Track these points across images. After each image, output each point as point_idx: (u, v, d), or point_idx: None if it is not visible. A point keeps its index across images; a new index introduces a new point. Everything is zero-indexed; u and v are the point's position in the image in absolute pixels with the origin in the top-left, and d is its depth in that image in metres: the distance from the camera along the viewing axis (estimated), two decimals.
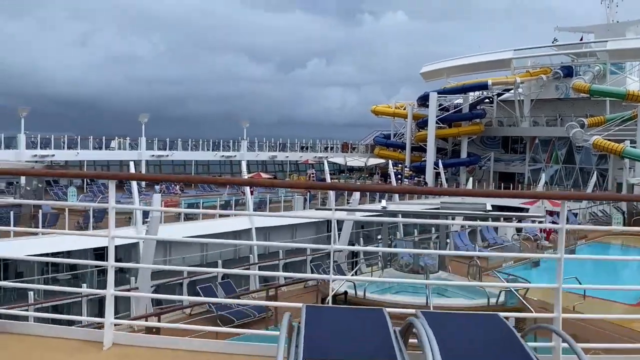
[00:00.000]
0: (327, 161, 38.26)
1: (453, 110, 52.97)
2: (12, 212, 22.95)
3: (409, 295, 12.00)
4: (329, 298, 11.62)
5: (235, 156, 51.77)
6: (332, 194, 36.07)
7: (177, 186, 43.37)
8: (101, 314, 4.30)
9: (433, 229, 25.05)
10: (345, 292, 11.84)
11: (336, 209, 27.97)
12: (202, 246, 30.18)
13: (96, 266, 23.92)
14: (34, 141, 40.68)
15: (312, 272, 17.67)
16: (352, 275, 15.91)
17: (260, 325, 12.74)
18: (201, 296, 13.75)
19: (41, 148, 40.48)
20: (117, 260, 20.05)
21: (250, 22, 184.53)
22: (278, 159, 56.19)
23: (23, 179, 30.50)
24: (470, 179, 35.63)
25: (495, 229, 28.10)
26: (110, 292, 4.23)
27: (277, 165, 59.41)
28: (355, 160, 51.25)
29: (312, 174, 53.57)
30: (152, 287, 14.13)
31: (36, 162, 37.37)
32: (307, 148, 58.40)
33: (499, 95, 54.71)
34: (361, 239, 26.63)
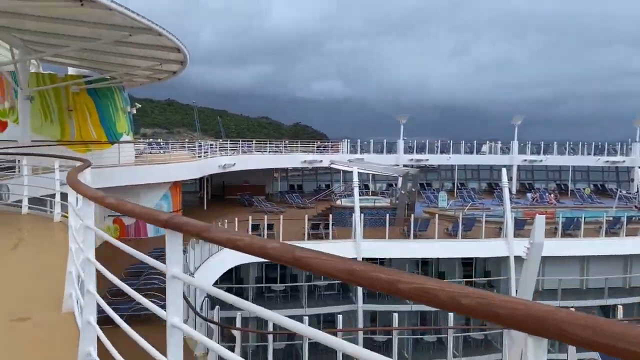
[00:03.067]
0: None
1: None
2: (387, 215, 24.03)
3: None
4: None
5: (623, 162, 43.77)
6: None
7: (552, 194, 39.21)
8: None
9: None
10: None
11: None
12: (582, 267, 25.79)
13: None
14: (410, 146, 43.20)
15: None
16: None
17: None
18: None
19: (417, 152, 42.65)
20: (485, 274, 18.08)
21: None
22: None
23: (400, 181, 32.29)
24: None
25: None
26: None
27: None
28: None
29: None
30: None
31: (412, 165, 39.41)
32: None
33: None
34: None
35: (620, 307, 13.37)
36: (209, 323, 10.71)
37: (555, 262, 24.70)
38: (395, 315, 15.03)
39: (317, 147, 39.56)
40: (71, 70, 23.51)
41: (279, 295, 22.70)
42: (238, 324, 10.55)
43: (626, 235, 25.33)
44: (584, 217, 25.89)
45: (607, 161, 43.98)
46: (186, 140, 51.68)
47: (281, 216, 22.71)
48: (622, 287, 25.34)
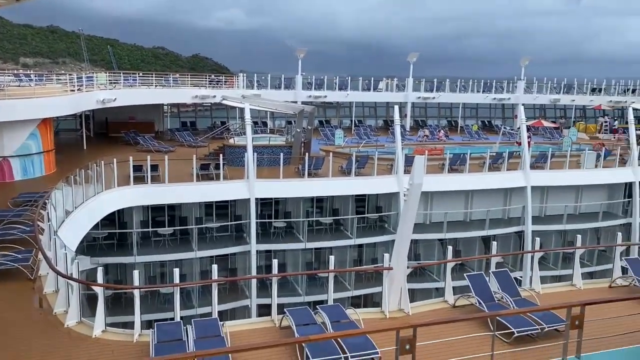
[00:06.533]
0: (633, 108, 30.08)
1: None
2: (282, 154, 23.33)
3: None
4: None
5: (509, 99, 46.03)
6: None
7: (442, 132, 40.44)
8: None
9: None
10: None
11: None
12: (467, 200, 27.02)
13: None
14: (309, 82, 42.22)
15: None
16: None
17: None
18: (469, 286, 10.92)
19: (315, 89, 41.80)
20: (377, 210, 18.12)
21: None
22: (561, 102, 48.16)
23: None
24: None
25: None
26: None
27: (559, 110, 51.25)
28: None
29: (605, 122, 44.36)
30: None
31: (311, 102, 38.67)
32: (599, 90, 48.47)
33: None
34: None
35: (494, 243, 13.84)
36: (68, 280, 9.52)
37: (442, 196, 25.64)
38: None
39: (210, 81, 37.39)
40: None
41: (167, 239, 21.57)
42: (99, 279, 9.49)
43: (507, 170, 26.71)
44: (470, 153, 26.86)
45: (495, 98, 46.01)
46: (61, 71, 46.84)
47: (166, 156, 21.17)
48: (501, 219, 26.97)
